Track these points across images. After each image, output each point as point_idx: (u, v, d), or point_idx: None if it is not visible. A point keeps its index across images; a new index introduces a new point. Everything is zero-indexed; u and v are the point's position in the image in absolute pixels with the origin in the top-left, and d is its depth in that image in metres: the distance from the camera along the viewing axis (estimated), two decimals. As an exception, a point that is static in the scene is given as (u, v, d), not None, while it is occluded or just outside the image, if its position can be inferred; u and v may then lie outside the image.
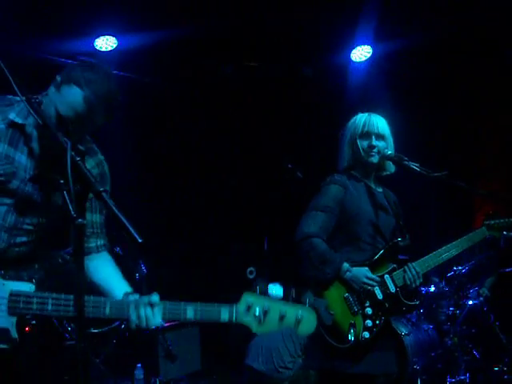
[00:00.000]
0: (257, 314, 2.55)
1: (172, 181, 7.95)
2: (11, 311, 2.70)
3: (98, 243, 3.10)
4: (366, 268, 3.66)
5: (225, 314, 2.62)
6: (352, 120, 3.98)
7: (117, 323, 6.09)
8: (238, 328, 7.70)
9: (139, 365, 6.07)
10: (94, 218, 3.02)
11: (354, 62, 7.71)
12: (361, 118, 3.93)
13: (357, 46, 7.47)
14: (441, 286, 6.56)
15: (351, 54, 7.60)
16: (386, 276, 3.72)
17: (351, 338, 3.55)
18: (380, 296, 3.65)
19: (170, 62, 7.69)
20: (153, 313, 2.67)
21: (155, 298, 2.69)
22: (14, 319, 2.72)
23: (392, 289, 3.68)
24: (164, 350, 6.28)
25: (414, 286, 3.70)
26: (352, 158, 3.92)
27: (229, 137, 8.35)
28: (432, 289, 6.51)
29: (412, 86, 7.75)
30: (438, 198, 7.50)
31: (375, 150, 3.82)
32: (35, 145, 2.72)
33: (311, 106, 8.07)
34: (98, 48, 7.04)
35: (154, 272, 6.86)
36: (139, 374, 6.06)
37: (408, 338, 5.90)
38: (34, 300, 2.70)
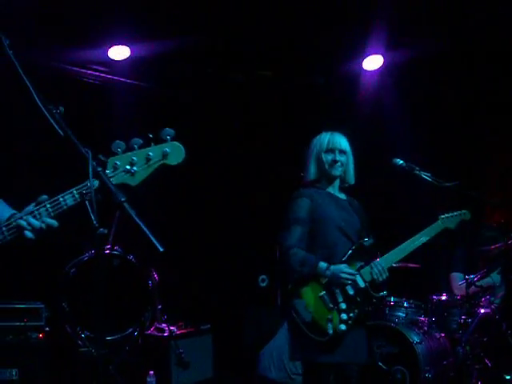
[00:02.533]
0: (123, 168, 2.60)
1: (183, 189, 7.98)
2: None
3: None
4: (344, 264, 4.09)
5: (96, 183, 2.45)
6: (317, 138, 4.46)
7: (130, 330, 6.13)
8: (250, 336, 7.73)
9: (151, 372, 6.08)
10: None
11: (366, 71, 7.74)
12: (325, 136, 4.41)
13: (368, 55, 7.49)
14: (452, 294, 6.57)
15: (363, 63, 7.62)
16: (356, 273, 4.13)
17: (330, 331, 3.97)
18: (351, 291, 4.07)
19: (182, 71, 7.74)
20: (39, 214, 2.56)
21: (41, 198, 2.61)
22: None
23: (361, 284, 4.09)
24: (176, 357, 6.31)
25: (380, 279, 4.11)
26: (317, 171, 4.38)
27: (241, 145, 8.38)
28: (443, 297, 6.51)
29: (423, 95, 7.76)
30: (448, 208, 7.50)
31: (338, 164, 4.29)
32: None
33: (323, 115, 8.09)
34: (111, 57, 7.10)
35: (166, 280, 6.90)
36: (151, 381, 6.07)
37: (420, 346, 5.91)
38: None
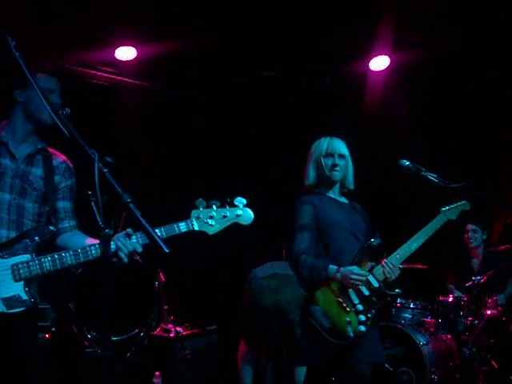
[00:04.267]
0: (205, 220, 3.32)
1: (187, 190, 7.97)
2: (16, 278, 3.21)
3: (72, 224, 3.65)
4: (354, 266, 4.06)
5: (183, 227, 3.29)
6: (316, 143, 4.47)
7: (136, 331, 6.14)
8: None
9: (158, 373, 6.09)
10: (65, 204, 3.62)
11: (373, 72, 7.73)
12: (324, 141, 4.42)
13: (375, 56, 7.49)
14: (459, 295, 6.56)
15: (369, 64, 7.62)
16: (369, 275, 4.11)
17: (351, 333, 3.96)
18: (367, 292, 4.07)
19: (188, 72, 7.75)
20: (129, 241, 3.17)
21: (129, 230, 3.21)
22: (20, 285, 3.24)
23: (375, 284, 4.09)
24: (182, 357, 6.31)
25: (393, 277, 4.10)
26: (316, 175, 4.39)
27: (247, 147, 8.38)
28: (450, 299, 6.51)
29: (429, 96, 7.76)
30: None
31: (338, 168, 4.31)
32: None
33: (330, 115, 8.08)
34: (118, 58, 7.12)
35: (173, 281, 6.90)
36: (157, 381, 6.08)
37: (426, 347, 5.91)
38: (32, 264, 3.24)
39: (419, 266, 6.56)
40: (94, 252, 3.21)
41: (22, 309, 3.23)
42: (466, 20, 6.60)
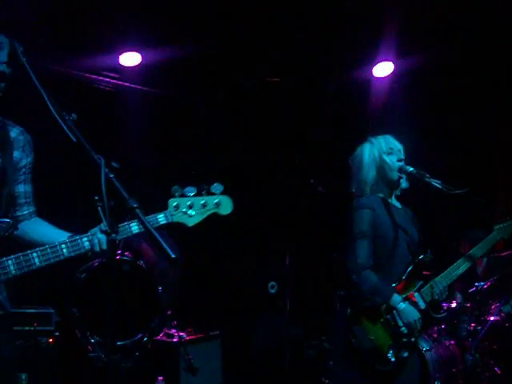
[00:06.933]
0: (184, 210, 3.07)
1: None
2: None
3: (31, 210, 3.20)
4: (419, 315, 3.78)
5: (162, 218, 3.05)
6: (367, 144, 4.15)
7: (139, 336, 6.14)
8: (259, 342, 7.74)
9: (161, 378, 6.09)
10: (26, 188, 3.15)
11: (376, 78, 7.74)
12: (378, 139, 4.14)
13: (379, 62, 7.49)
14: (460, 301, 6.56)
15: (373, 70, 7.63)
16: (416, 294, 3.89)
17: (392, 358, 3.73)
18: None
19: (193, 78, 7.77)
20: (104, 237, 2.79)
21: (103, 225, 2.66)
22: None
23: (422, 305, 3.85)
24: (185, 363, 6.31)
25: (441, 299, 3.91)
26: (376, 177, 4.06)
27: (251, 152, 8.39)
28: (453, 304, 6.50)
29: (433, 102, 7.76)
30: (459, 214, 7.48)
31: (403, 171, 4.01)
32: None
33: (333, 121, 8.10)
34: (122, 64, 7.14)
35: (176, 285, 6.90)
36: (161, 386, 6.10)
37: (429, 353, 5.89)
38: None
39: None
40: (65, 251, 2.84)
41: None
42: (470, 25, 6.60)
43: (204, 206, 3.15)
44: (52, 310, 5.81)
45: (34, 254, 2.79)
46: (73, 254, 2.85)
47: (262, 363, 7.46)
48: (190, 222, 3.13)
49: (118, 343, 5.97)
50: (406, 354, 3.77)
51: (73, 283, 6.04)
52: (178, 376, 6.31)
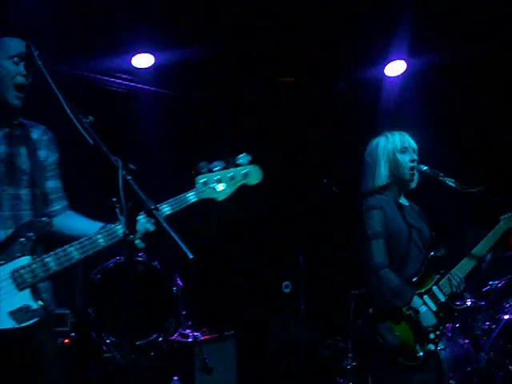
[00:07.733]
0: (212, 185, 3.09)
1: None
2: (20, 286, 2.83)
3: (64, 204, 3.31)
4: (435, 320, 3.86)
5: (192, 197, 3.08)
6: (383, 138, 4.15)
7: (154, 336, 6.16)
8: (274, 342, 7.73)
9: (176, 377, 6.11)
10: (56, 184, 3.26)
11: (388, 77, 7.73)
12: (393, 135, 4.14)
13: (391, 60, 7.48)
14: (474, 300, 6.54)
15: (385, 69, 7.62)
16: (434, 287, 3.97)
17: (420, 353, 3.78)
18: (434, 308, 3.91)
19: (206, 78, 7.78)
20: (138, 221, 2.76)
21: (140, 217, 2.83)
22: (27, 293, 2.85)
23: (442, 298, 3.95)
24: (200, 362, 6.32)
25: (459, 291, 4.00)
26: (390, 174, 4.07)
27: (264, 152, 8.38)
28: (468, 303, 6.48)
29: (445, 101, 7.74)
30: (473, 212, 7.46)
31: (415, 170, 4.05)
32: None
33: (345, 121, 8.09)
34: (135, 65, 7.16)
35: (191, 286, 6.92)
36: (176, 386, 6.11)
37: (444, 352, 5.87)
38: (35, 266, 2.85)
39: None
40: (101, 241, 2.88)
41: (34, 320, 2.84)
42: (483, 24, 6.58)
43: (232, 178, 3.17)
44: (67, 311, 5.83)
45: (72, 248, 2.87)
46: (110, 243, 2.90)
47: (277, 363, 7.47)
48: (220, 196, 3.15)
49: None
50: (432, 347, 3.82)
51: (88, 284, 6.08)
52: (193, 376, 6.31)
